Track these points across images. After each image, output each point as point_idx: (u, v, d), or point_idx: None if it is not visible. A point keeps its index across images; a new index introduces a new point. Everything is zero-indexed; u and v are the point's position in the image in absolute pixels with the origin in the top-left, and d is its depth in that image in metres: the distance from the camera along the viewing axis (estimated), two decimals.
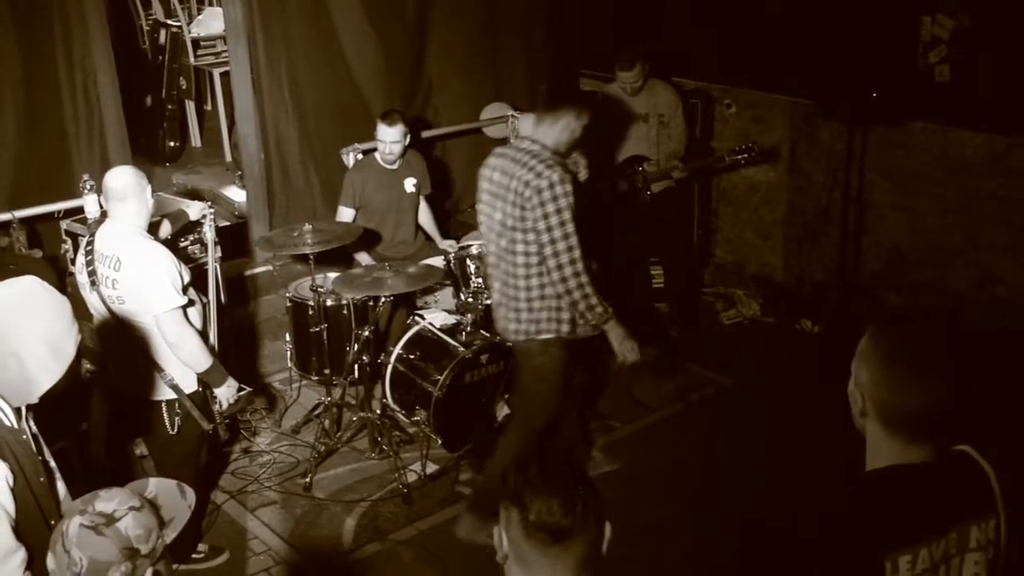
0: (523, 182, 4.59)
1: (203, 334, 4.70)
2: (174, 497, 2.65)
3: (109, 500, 2.41)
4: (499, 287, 4.93)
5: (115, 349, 4.69)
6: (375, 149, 6.61)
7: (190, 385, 4.65)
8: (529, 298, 4.79)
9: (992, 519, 2.28)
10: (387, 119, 6.33)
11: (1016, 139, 6.34)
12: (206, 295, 5.02)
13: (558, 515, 2.09)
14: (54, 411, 2.95)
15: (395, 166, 6.47)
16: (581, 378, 5.59)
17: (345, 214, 6.46)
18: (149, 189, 4.61)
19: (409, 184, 6.53)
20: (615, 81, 6.98)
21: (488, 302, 5.97)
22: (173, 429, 4.66)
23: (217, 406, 4.79)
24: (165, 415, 4.66)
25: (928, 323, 2.34)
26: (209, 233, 5.32)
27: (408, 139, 6.41)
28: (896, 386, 2.22)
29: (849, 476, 2.33)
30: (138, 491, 2.56)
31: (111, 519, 2.37)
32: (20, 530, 2.67)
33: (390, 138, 6.31)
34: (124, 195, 4.51)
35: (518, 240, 4.69)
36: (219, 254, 5.53)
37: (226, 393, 4.75)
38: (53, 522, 2.80)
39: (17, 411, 2.78)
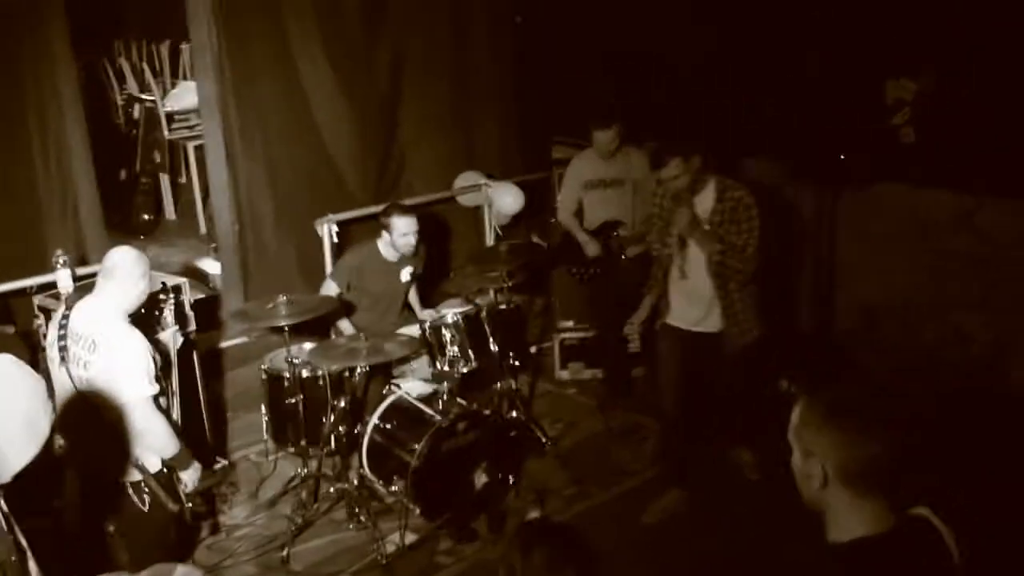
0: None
1: (167, 413, 4.67)
2: None
3: None
4: None
5: (80, 429, 4.61)
6: (351, 221, 6.63)
7: (154, 466, 4.61)
8: None
9: None
10: (403, 210, 6.31)
11: (982, 198, 6.44)
12: (170, 378, 4.99)
13: None
14: (26, 488, 2.92)
15: (398, 258, 6.46)
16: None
17: (331, 288, 6.42)
18: (146, 277, 4.56)
19: (406, 273, 6.53)
20: (591, 146, 7.01)
21: (464, 370, 5.97)
22: (145, 506, 4.61)
23: (183, 488, 4.74)
24: (133, 495, 4.61)
25: (851, 380, 2.39)
26: (168, 316, 5.26)
27: None
28: (856, 439, 2.26)
29: (828, 551, 2.33)
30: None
31: None
32: None
33: (411, 228, 6.27)
34: (113, 273, 4.47)
35: None
36: (182, 338, 5.45)
37: (191, 476, 4.71)
38: None
39: None
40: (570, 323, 7.67)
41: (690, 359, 5.75)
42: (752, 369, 5.86)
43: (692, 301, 5.65)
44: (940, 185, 6.61)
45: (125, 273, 4.48)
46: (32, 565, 2.88)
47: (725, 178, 5.55)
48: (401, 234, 6.27)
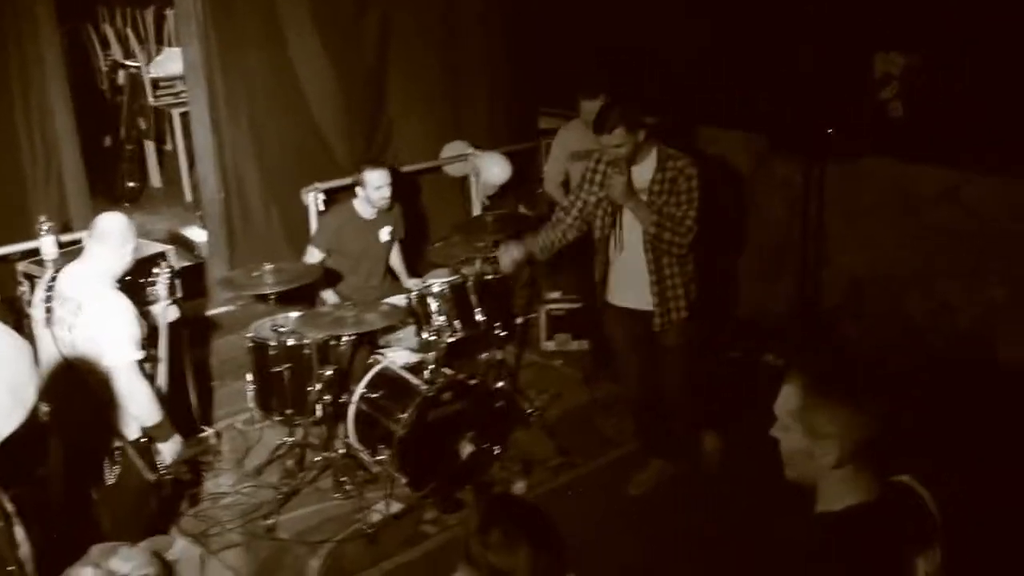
0: None
1: (152, 380, 4.67)
2: (193, 568, 2.60)
3: (126, 560, 2.37)
4: None
5: (64, 396, 4.61)
6: (337, 189, 6.62)
7: (132, 433, 4.60)
8: None
9: (935, 548, 2.35)
10: (373, 164, 6.41)
11: (968, 173, 6.45)
12: (157, 348, 4.98)
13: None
14: (10, 455, 2.91)
15: (374, 215, 6.46)
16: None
17: (314, 255, 6.46)
18: (133, 243, 4.60)
19: (385, 233, 6.55)
20: (577, 116, 6.98)
21: (450, 340, 5.97)
22: (112, 477, 4.61)
23: (160, 460, 4.74)
24: (106, 463, 4.61)
25: (842, 354, 2.39)
26: (162, 290, 5.24)
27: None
28: (871, 417, 2.27)
29: (818, 521, 2.35)
30: (161, 549, 2.51)
31: None
32: None
33: (383, 181, 6.33)
34: (103, 238, 4.51)
35: None
36: (172, 304, 5.43)
37: (170, 449, 4.71)
38: (11, 568, 2.76)
39: None
40: (556, 294, 7.68)
41: (641, 338, 5.57)
42: (691, 352, 5.62)
43: (628, 276, 5.45)
44: (927, 159, 6.61)
45: (119, 239, 4.52)
46: (19, 531, 2.88)
47: (668, 147, 5.34)
48: (375, 187, 6.31)
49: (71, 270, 4.57)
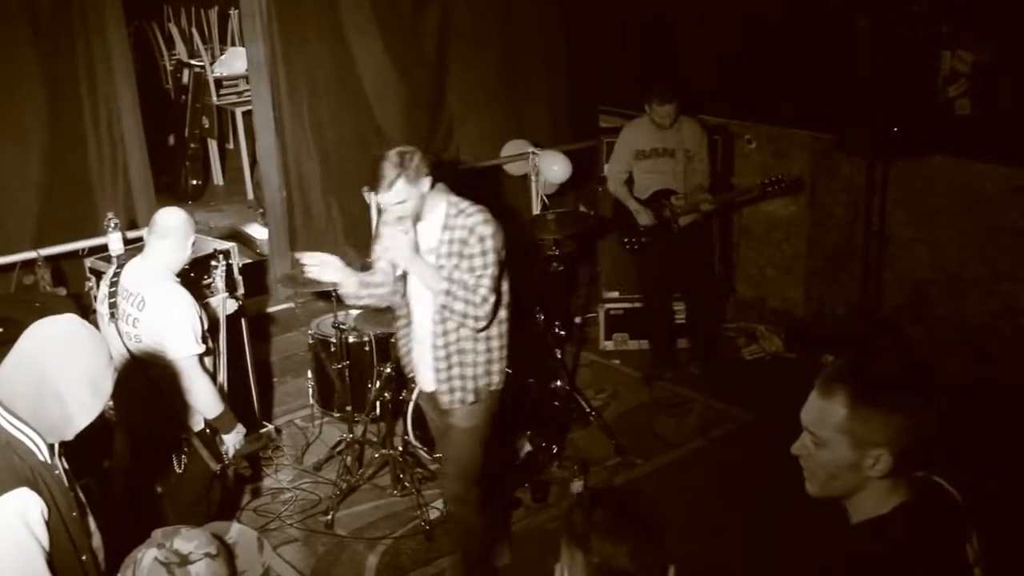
0: None
1: (213, 376, 4.73)
2: (251, 550, 2.63)
3: (189, 540, 2.42)
4: None
5: (125, 387, 4.67)
6: None
7: (196, 424, 4.66)
8: None
9: (975, 534, 2.32)
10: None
11: None
12: (217, 341, 5.03)
13: (624, 562, 2.04)
14: (79, 447, 2.96)
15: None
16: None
17: None
18: (192, 238, 4.65)
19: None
20: (647, 114, 6.94)
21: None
22: (180, 467, 4.68)
23: (225, 450, 4.80)
24: (173, 455, 4.68)
25: (890, 358, 2.33)
26: (219, 283, 5.29)
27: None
28: (920, 422, 2.22)
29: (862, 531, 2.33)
30: (219, 533, 2.55)
31: (185, 560, 2.37)
32: (53, 564, 2.68)
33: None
34: (166, 233, 4.56)
35: None
36: (233, 299, 5.49)
37: (234, 440, 4.77)
38: (84, 557, 2.80)
39: (50, 447, 2.79)
40: (615, 293, 7.65)
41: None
42: (481, 437, 4.68)
43: (422, 353, 4.57)
44: (994, 158, 6.50)
45: (180, 234, 4.57)
46: (91, 521, 2.93)
47: (462, 200, 4.43)
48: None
49: (133, 265, 4.63)
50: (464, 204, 4.39)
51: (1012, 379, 6.33)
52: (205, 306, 4.86)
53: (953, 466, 2.44)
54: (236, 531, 2.65)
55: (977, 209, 6.65)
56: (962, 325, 6.82)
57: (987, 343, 6.68)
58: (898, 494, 2.27)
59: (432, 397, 4.64)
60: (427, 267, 4.33)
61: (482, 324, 4.39)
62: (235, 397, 5.17)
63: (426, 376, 4.60)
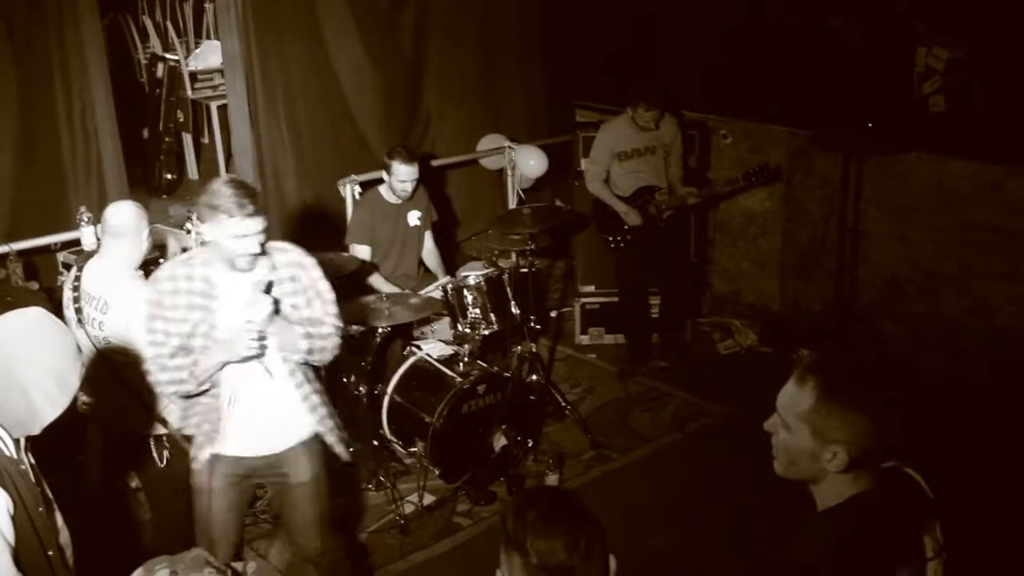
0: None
1: None
2: None
3: None
4: None
5: (100, 387, 4.63)
6: (374, 182, 6.62)
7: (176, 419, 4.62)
8: None
9: (937, 526, 2.34)
10: (405, 157, 6.24)
11: (1010, 168, 6.37)
12: None
13: (562, 556, 2.04)
14: (50, 443, 2.94)
15: (401, 200, 6.44)
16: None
17: (361, 251, 6.39)
18: (147, 231, 4.56)
19: (413, 218, 6.51)
20: (629, 115, 6.94)
21: (485, 332, 5.98)
22: (162, 463, 4.65)
23: None
24: (153, 449, 4.64)
25: (855, 356, 2.35)
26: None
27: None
28: (883, 426, 2.24)
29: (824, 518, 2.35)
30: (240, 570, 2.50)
31: None
32: (19, 560, 2.65)
33: (410, 176, 6.25)
34: (119, 232, 4.47)
35: None
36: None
37: None
38: (51, 553, 2.78)
39: (16, 442, 2.77)
40: (591, 287, 7.65)
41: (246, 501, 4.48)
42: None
43: (269, 411, 4.07)
44: (968, 156, 6.54)
45: (134, 230, 4.49)
46: (58, 517, 2.91)
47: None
48: (400, 180, 6.26)
49: (92, 267, 4.55)
50: (275, 243, 4.00)
51: (985, 375, 6.37)
52: None
53: (925, 461, 2.45)
54: (252, 570, 2.56)
55: (951, 205, 6.69)
56: (936, 321, 6.86)
57: (961, 339, 6.72)
58: (857, 486, 2.29)
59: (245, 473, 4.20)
60: (280, 324, 3.91)
61: (330, 357, 4.13)
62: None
63: (266, 436, 4.12)
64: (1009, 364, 6.29)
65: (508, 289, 6.05)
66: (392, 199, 6.42)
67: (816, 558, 2.26)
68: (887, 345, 6.98)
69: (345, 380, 5.84)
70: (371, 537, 5.46)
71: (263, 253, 3.84)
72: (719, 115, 7.88)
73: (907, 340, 6.94)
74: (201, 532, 4.16)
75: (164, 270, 3.97)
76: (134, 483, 5.32)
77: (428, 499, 5.68)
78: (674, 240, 7.21)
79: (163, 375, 3.91)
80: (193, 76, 9.19)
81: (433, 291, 6.28)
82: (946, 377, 6.43)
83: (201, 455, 4.10)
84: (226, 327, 3.82)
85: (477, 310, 5.96)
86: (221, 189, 3.73)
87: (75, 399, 2.86)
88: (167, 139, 8.97)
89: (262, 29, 6.84)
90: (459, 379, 5.69)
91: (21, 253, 5.94)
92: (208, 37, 10.01)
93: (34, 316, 2.82)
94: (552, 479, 5.73)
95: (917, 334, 6.91)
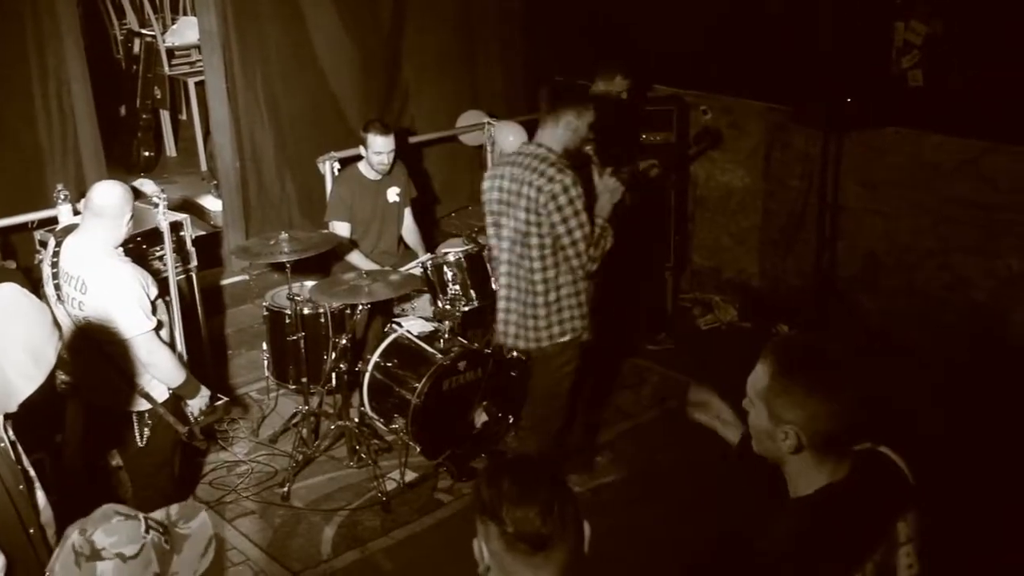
0: (536, 188, 4.75)
1: (171, 346, 4.67)
2: (197, 550, 2.49)
3: (110, 534, 2.29)
4: (515, 296, 5.03)
5: (83, 363, 4.61)
6: (353, 158, 6.60)
7: (161, 395, 4.62)
8: (547, 302, 4.93)
9: (912, 511, 2.36)
10: (380, 129, 6.26)
11: (988, 144, 6.40)
12: (170, 310, 4.98)
13: (536, 524, 2.06)
14: (29, 421, 2.93)
15: (380, 176, 6.43)
16: (590, 381, 5.64)
17: (341, 228, 6.38)
18: (129, 214, 4.51)
19: (392, 194, 6.51)
20: (605, 88, 6.87)
21: (466, 309, 5.98)
22: (142, 441, 4.63)
23: (191, 416, 4.76)
24: (136, 426, 4.62)
25: (818, 338, 2.37)
26: (163, 220, 5.13)
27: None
28: (836, 411, 2.26)
29: (794, 506, 2.36)
30: (186, 515, 2.46)
31: (95, 555, 2.26)
32: (0, 538, 2.65)
33: (386, 148, 6.26)
34: (100, 211, 4.42)
35: (534, 245, 4.84)
36: (182, 264, 5.42)
37: (199, 403, 4.73)
38: (32, 531, 2.77)
39: None
40: None
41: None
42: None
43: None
44: (947, 130, 6.56)
45: (116, 211, 4.44)
46: (40, 495, 2.90)
47: None
48: (376, 152, 6.25)
49: (71, 244, 4.51)
50: None
51: (964, 351, 6.40)
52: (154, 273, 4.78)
53: (902, 439, 2.47)
54: (197, 524, 2.52)
55: (930, 181, 6.71)
56: (914, 296, 6.89)
57: (939, 314, 6.75)
58: (824, 475, 2.31)
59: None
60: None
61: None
62: (191, 370, 5.13)
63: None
64: (986, 338, 6.34)
65: (488, 266, 6.05)
66: (371, 175, 6.41)
67: (777, 551, 2.29)
68: (865, 320, 7.02)
69: (326, 357, 5.84)
70: (353, 514, 5.47)
71: None
72: (698, 90, 7.87)
73: (885, 315, 6.97)
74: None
75: None
76: (115, 461, 5.33)
77: (410, 476, 5.70)
78: (642, 216, 7.17)
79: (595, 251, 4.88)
80: (170, 52, 9.12)
81: (413, 268, 6.28)
82: (923, 351, 6.46)
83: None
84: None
85: (457, 287, 5.97)
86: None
87: (54, 377, 2.84)
88: (144, 116, 8.89)
89: (239, 4, 6.78)
90: (440, 356, 5.69)
91: None
92: (185, 13, 9.92)
93: (8, 292, 2.79)
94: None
95: (895, 308, 6.94)
